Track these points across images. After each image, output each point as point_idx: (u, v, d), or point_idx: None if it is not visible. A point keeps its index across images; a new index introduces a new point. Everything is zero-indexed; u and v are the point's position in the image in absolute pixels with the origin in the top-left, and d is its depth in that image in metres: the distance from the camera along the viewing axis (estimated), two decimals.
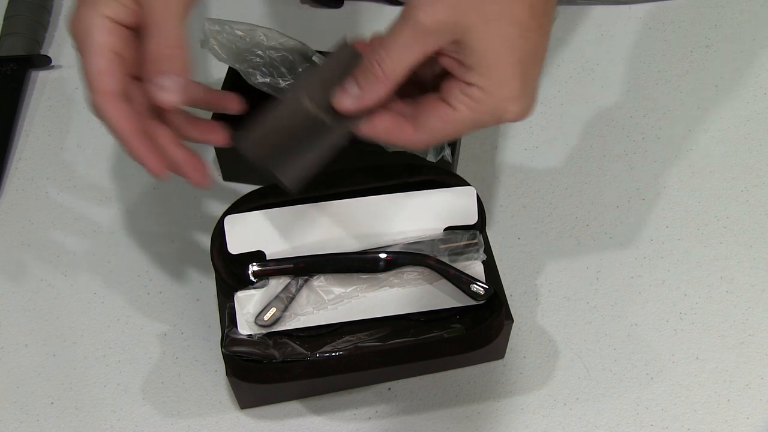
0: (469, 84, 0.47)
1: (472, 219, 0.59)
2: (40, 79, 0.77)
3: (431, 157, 0.63)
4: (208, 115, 0.63)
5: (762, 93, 0.75)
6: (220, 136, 0.54)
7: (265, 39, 0.62)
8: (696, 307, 0.64)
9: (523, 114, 0.48)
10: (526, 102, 0.49)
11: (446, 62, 0.48)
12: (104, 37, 0.49)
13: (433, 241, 0.58)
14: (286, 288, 0.57)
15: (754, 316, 0.63)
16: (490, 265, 0.60)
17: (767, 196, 0.69)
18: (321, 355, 0.57)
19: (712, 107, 0.74)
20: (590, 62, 0.77)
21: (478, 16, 0.46)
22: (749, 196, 0.69)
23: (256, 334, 0.56)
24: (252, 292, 0.57)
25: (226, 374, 0.56)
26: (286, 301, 0.57)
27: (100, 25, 0.49)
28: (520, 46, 0.47)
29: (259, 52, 0.62)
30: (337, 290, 0.58)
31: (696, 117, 0.74)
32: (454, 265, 0.57)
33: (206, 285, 0.65)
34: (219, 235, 0.58)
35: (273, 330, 0.57)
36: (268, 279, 0.57)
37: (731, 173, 0.70)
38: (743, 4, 0.81)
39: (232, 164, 0.69)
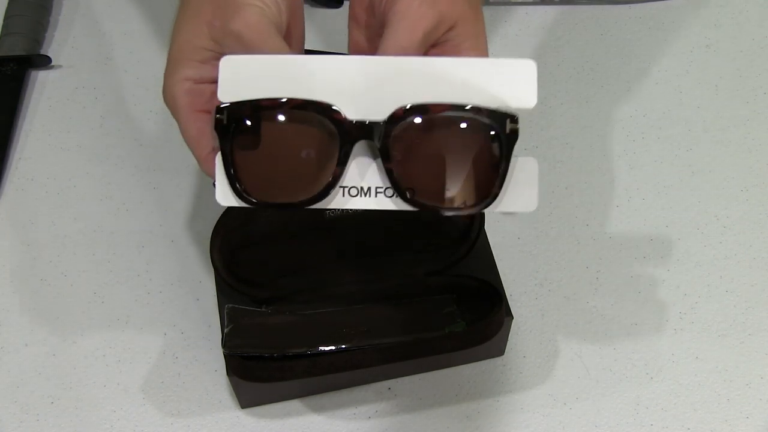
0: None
1: (530, 99, 0.47)
2: (40, 78, 0.77)
3: None
4: None
5: (762, 93, 0.75)
6: None
7: None
8: (696, 306, 0.64)
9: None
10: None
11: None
12: (187, 100, 0.48)
13: None
14: None
15: (753, 315, 0.63)
16: (490, 265, 0.60)
17: (767, 196, 0.69)
18: (321, 351, 0.57)
19: (712, 107, 0.74)
20: (590, 62, 0.77)
21: None
22: (749, 196, 0.69)
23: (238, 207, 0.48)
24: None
25: (227, 373, 0.56)
26: None
27: (181, 90, 0.48)
28: None
29: None
30: None
31: (696, 117, 0.74)
32: None
33: (206, 285, 0.65)
34: (219, 235, 0.58)
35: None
36: None
37: (731, 173, 0.70)
38: (743, 4, 0.81)
39: None
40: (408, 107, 0.45)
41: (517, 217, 0.68)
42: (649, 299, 0.64)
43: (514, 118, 0.46)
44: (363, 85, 0.46)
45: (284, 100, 0.45)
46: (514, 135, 0.46)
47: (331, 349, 0.57)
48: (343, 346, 0.57)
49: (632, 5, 0.81)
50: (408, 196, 0.47)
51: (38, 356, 0.62)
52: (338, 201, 0.47)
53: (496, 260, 0.61)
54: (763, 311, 0.64)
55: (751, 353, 0.62)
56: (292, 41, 0.51)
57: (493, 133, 0.46)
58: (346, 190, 0.47)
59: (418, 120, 0.45)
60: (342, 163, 0.46)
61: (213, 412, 0.60)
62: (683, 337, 0.63)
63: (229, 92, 0.47)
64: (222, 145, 0.46)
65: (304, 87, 0.46)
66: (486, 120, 0.45)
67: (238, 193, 0.47)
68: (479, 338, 0.57)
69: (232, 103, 0.46)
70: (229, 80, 0.46)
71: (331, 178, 0.46)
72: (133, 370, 0.62)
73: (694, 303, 0.64)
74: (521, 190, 0.47)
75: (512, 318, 0.58)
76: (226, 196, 0.47)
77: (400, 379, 0.61)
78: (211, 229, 0.58)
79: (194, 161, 0.71)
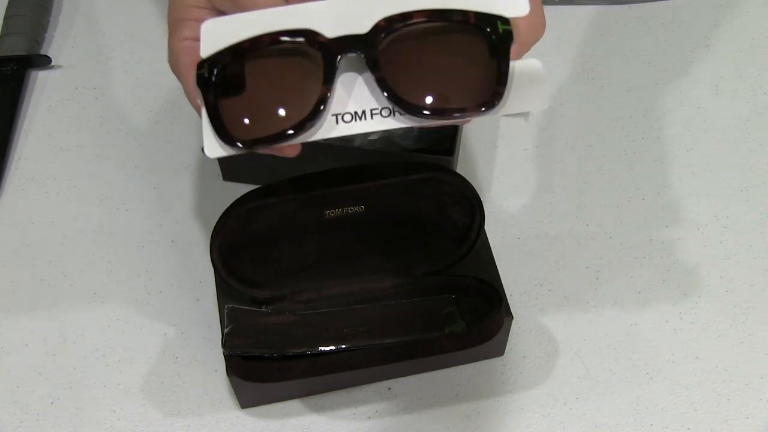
0: None
1: (521, 6, 0.45)
2: (40, 78, 0.77)
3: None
4: None
5: (762, 93, 0.75)
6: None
7: None
8: (696, 306, 0.64)
9: None
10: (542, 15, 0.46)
11: None
12: (189, 59, 0.47)
13: None
14: None
15: (753, 315, 0.63)
16: (489, 265, 0.60)
17: (767, 196, 0.69)
18: (321, 351, 0.57)
19: (712, 107, 0.74)
20: (590, 62, 0.77)
21: None
22: (749, 196, 0.69)
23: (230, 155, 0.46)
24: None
25: (227, 374, 0.56)
26: None
27: (183, 49, 0.47)
28: None
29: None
30: None
31: (696, 117, 0.74)
32: None
33: (206, 285, 0.65)
34: (219, 235, 0.58)
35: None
36: None
37: (731, 173, 0.70)
38: (743, 4, 0.81)
39: (232, 164, 0.69)
40: (390, 16, 0.43)
41: (517, 217, 0.68)
42: (649, 299, 0.64)
43: (504, 20, 0.44)
44: (344, 11, 0.44)
45: (260, 36, 0.44)
46: (507, 35, 0.44)
47: (331, 349, 0.57)
48: (343, 346, 0.57)
49: (632, 5, 0.81)
50: (406, 104, 0.44)
51: (38, 356, 0.62)
52: (332, 128, 0.45)
53: (496, 260, 0.61)
54: (763, 311, 0.64)
55: (751, 353, 0.62)
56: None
57: (485, 34, 0.44)
58: (340, 117, 0.45)
59: (403, 27, 0.44)
60: (328, 80, 0.43)
61: (213, 412, 0.60)
62: (683, 337, 0.63)
63: (210, 53, 0.45)
64: (206, 98, 0.45)
65: (282, 27, 0.44)
66: (475, 22, 0.44)
67: (226, 139, 0.45)
68: (479, 338, 0.57)
69: (211, 55, 0.44)
70: (210, 42, 0.45)
71: (318, 99, 0.43)
72: (133, 370, 0.62)
73: (694, 303, 0.64)
74: (528, 89, 0.45)
75: (512, 318, 0.58)
76: (214, 148, 0.45)
77: (400, 379, 0.61)
78: (211, 229, 0.58)
79: (194, 161, 0.71)
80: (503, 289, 0.59)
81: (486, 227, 0.61)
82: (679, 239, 0.67)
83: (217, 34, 0.45)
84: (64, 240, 0.67)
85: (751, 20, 0.80)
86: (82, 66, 0.78)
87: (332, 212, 0.58)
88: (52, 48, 0.79)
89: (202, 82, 0.45)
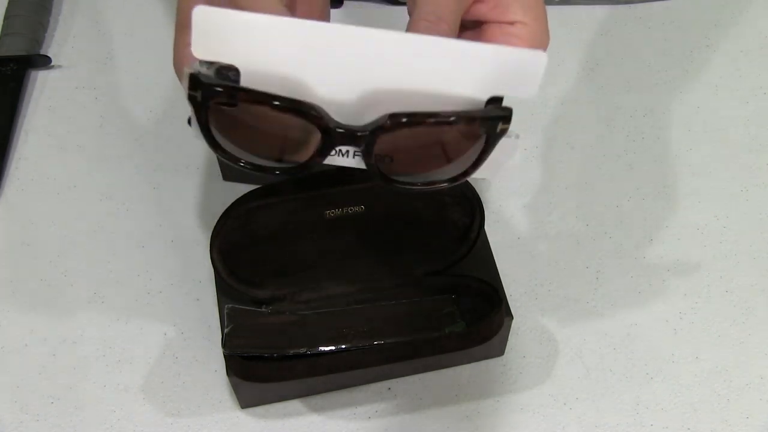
0: (511, 23, 0.46)
1: (530, 91, 0.43)
2: (39, 78, 0.77)
3: None
4: None
5: (762, 93, 0.75)
6: None
7: None
8: (696, 306, 0.64)
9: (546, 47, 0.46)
10: (548, 35, 0.47)
11: (480, 9, 0.46)
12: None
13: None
14: None
15: (753, 315, 0.63)
16: (490, 265, 0.60)
17: (767, 196, 0.69)
18: (321, 351, 0.57)
19: (712, 107, 0.74)
20: (590, 62, 0.77)
21: None
22: (749, 196, 0.69)
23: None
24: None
25: (227, 374, 0.56)
26: None
27: (186, 55, 0.47)
28: None
29: None
30: None
31: (696, 117, 0.74)
32: None
33: (206, 285, 0.65)
34: (219, 235, 0.58)
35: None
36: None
37: (731, 173, 0.70)
38: (743, 4, 0.81)
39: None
40: (398, 117, 0.42)
41: (517, 217, 0.68)
42: (649, 299, 0.64)
43: (506, 119, 0.43)
44: (349, 75, 0.43)
45: (263, 94, 0.42)
46: (502, 133, 0.44)
47: (331, 349, 0.57)
48: (343, 346, 0.57)
49: (632, 5, 0.81)
50: (384, 179, 0.45)
51: (38, 356, 0.62)
52: None
53: (496, 260, 0.61)
54: (763, 311, 0.64)
55: (751, 353, 0.62)
56: (296, 13, 0.49)
57: (482, 133, 0.44)
58: None
59: (404, 130, 0.43)
60: (321, 155, 0.44)
61: (213, 412, 0.60)
62: (683, 337, 0.63)
63: (202, 48, 0.43)
64: (197, 114, 0.43)
65: (282, 63, 0.43)
66: (477, 127, 0.43)
67: (212, 144, 0.44)
68: (479, 338, 0.57)
69: (206, 83, 0.42)
70: (203, 35, 0.42)
71: (308, 161, 0.44)
72: (133, 370, 0.62)
73: (694, 303, 0.64)
74: (497, 163, 0.46)
75: (512, 318, 0.58)
76: (199, 134, 0.45)
77: (400, 379, 0.61)
78: (211, 229, 0.58)
79: (194, 161, 0.71)
80: (503, 289, 0.59)
81: (486, 227, 0.61)
82: (679, 239, 0.67)
83: (209, 28, 0.42)
84: (64, 240, 0.67)
85: (751, 20, 0.80)
86: (82, 66, 0.77)
87: (332, 212, 0.59)
88: (52, 48, 0.79)
89: (193, 103, 0.43)
